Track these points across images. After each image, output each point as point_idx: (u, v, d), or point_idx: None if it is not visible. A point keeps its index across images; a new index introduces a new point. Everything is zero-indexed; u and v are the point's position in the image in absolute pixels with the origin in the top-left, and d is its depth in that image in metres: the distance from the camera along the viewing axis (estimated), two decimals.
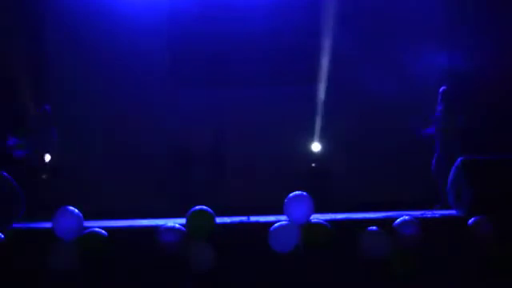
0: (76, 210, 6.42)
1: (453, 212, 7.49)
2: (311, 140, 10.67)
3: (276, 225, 6.39)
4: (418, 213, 7.32)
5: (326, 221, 6.47)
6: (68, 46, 10.62)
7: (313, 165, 10.65)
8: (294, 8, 10.77)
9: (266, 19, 10.62)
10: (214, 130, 10.50)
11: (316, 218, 6.50)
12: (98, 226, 6.56)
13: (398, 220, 6.51)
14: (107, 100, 10.59)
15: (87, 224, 6.54)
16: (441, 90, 9.11)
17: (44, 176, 8.73)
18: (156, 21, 10.62)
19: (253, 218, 7.35)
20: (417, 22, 10.67)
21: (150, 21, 10.56)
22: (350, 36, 10.48)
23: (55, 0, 10.66)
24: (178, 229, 6.37)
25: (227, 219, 7.10)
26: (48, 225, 6.51)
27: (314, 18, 10.76)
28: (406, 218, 6.54)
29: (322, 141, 10.69)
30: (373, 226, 6.49)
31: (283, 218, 6.51)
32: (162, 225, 6.44)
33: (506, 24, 10.40)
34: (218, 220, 6.57)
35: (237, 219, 7.21)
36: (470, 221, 6.59)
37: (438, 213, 7.56)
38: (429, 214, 7.39)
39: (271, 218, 6.81)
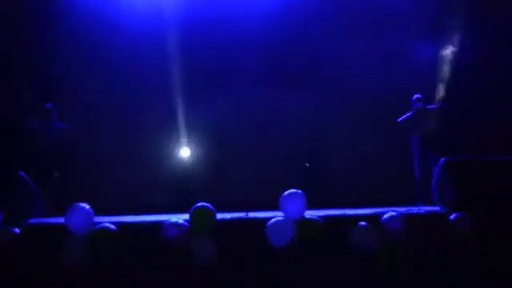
0: (87, 207, 6.47)
1: (436, 208, 7.49)
2: (304, 140, 10.64)
3: (272, 220, 6.45)
4: (404, 209, 7.30)
5: (319, 217, 6.52)
6: (78, 57, 10.58)
7: (306, 164, 10.61)
8: (290, 18, 10.71)
9: (265, 28, 10.58)
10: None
11: (309, 214, 6.55)
12: (107, 221, 6.62)
13: (386, 216, 6.57)
14: (115, 106, 10.61)
15: (97, 219, 6.59)
16: (414, 97, 9.19)
17: (57, 174, 8.72)
18: (162, 31, 10.53)
19: (251, 214, 7.27)
20: (408, 23, 10.59)
21: (157, 31, 10.51)
22: (342, 41, 10.50)
23: (67, 13, 10.52)
24: (181, 224, 6.43)
25: (227, 215, 7.06)
26: (61, 220, 6.56)
27: (309, 26, 10.75)
28: (393, 214, 6.56)
29: (315, 142, 10.65)
30: (362, 221, 6.55)
31: (279, 214, 6.55)
32: (166, 220, 6.49)
33: (494, 21, 10.30)
34: (219, 216, 6.62)
35: (236, 215, 7.16)
36: (452, 216, 6.69)
37: (423, 209, 7.54)
38: (414, 210, 7.39)
39: (268, 214, 6.83)
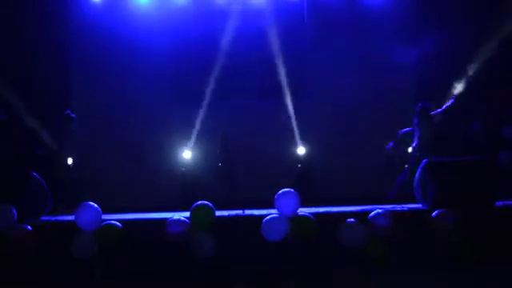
0: (95, 205, 6.57)
1: (419, 206, 7.77)
2: (298, 144, 10.68)
3: (267, 217, 6.56)
4: (389, 206, 7.56)
5: (311, 214, 6.65)
6: (89, 72, 10.85)
7: (298, 165, 10.64)
8: (280, 33, 10.84)
9: (258, 42, 10.80)
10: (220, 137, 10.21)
11: (302, 211, 6.66)
12: (114, 218, 6.77)
13: (373, 213, 6.68)
14: (125, 115, 10.86)
15: (105, 217, 6.71)
16: (417, 107, 9.01)
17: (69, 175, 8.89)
18: (165, 47, 10.90)
19: (247, 212, 7.60)
20: (389, 30, 10.82)
21: (162, 48, 10.86)
22: (326, 52, 10.78)
23: (78, 31, 10.87)
24: (183, 221, 6.59)
25: (225, 212, 7.30)
26: (71, 218, 6.69)
27: (295, 41, 11.02)
28: (380, 211, 6.67)
29: (306, 144, 10.68)
30: (350, 218, 6.66)
31: (274, 211, 6.67)
32: (169, 217, 6.65)
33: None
34: (218, 213, 6.77)
35: (234, 212, 7.44)
36: (434, 213, 6.82)
37: (407, 206, 7.74)
38: (399, 207, 7.58)
39: (263, 212, 7.02)
